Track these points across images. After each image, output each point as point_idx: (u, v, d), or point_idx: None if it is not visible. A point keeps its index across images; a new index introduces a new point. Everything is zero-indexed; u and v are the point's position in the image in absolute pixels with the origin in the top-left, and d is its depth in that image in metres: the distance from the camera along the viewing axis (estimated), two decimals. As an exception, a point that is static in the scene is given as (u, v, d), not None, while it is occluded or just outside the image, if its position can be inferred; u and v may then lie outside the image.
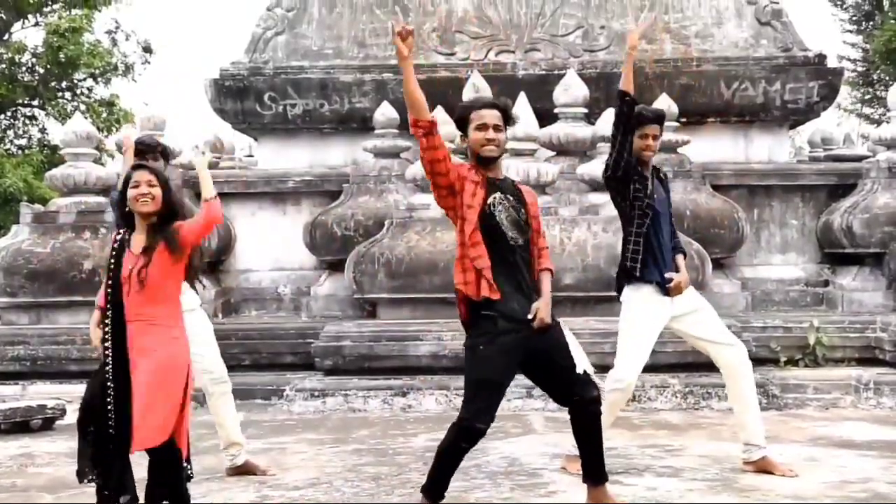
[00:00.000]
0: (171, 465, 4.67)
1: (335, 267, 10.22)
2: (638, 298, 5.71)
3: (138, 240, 4.68)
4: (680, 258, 5.82)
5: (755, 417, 5.81)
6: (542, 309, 4.83)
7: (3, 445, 7.13)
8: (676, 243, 5.88)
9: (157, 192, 4.68)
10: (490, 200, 4.79)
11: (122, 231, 4.78)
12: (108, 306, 4.70)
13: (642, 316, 5.70)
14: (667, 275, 5.66)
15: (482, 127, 4.85)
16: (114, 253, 4.72)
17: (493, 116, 4.86)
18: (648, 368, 8.16)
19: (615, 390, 5.72)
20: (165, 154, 6.09)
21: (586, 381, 4.85)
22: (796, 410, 8.08)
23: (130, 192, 4.69)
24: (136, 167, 4.87)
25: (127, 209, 4.72)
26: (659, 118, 5.86)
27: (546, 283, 4.97)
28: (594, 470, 4.93)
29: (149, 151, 5.97)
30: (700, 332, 5.82)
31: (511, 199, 4.86)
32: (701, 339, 5.85)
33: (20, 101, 24.22)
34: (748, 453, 5.81)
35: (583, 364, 4.89)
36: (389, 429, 7.46)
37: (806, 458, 6.20)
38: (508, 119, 4.94)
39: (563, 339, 4.94)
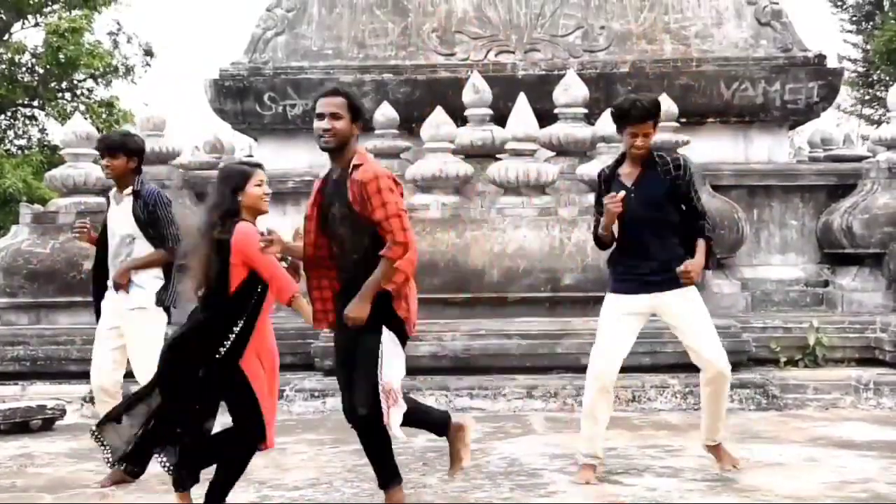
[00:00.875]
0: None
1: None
2: (606, 303, 5.76)
3: None
4: (700, 243, 5.61)
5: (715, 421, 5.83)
6: (351, 308, 4.62)
7: (3, 446, 7.13)
8: (697, 227, 5.64)
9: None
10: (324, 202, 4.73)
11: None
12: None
13: (607, 316, 5.69)
14: (679, 268, 5.48)
15: (319, 116, 4.68)
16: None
17: (329, 105, 4.64)
18: (648, 369, 8.24)
19: (592, 381, 5.65)
20: (131, 149, 5.97)
21: (366, 395, 4.58)
22: (796, 411, 8.08)
23: (256, 191, 4.78)
24: (256, 165, 4.92)
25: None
26: (652, 114, 5.53)
27: (373, 275, 4.61)
28: (380, 476, 4.89)
29: (112, 150, 5.95)
30: (688, 341, 5.68)
31: (336, 193, 4.68)
32: (688, 347, 5.72)
33: (20, 101, 24.23)
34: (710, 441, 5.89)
35: (389, 377, 4.58)
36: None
37: (806, 459, 6.21)
38: (352, 104, 4.67)
39: (375, 345, 4.62)
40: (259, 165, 5.06)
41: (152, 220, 5.95)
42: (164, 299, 6.03)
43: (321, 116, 4.63)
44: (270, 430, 4.78)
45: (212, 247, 4.70)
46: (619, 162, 5.73)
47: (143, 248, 6.01)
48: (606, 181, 5.70)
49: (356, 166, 4.62)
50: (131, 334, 5.99)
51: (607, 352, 5.61)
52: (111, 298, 6.07)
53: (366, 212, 4.55)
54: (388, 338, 4.63)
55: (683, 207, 5.66)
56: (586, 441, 5.65)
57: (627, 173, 5.66)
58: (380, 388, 4.55)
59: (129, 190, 6.00)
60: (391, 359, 4.61)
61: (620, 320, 5.63)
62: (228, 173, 4.89)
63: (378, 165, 4.71)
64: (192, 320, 4.81)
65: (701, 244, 5.63)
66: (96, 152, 10.67)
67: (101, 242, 6.13)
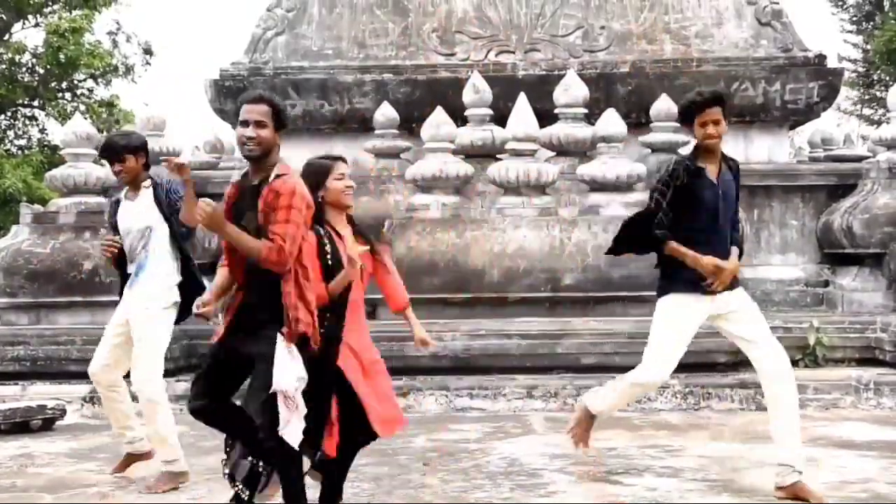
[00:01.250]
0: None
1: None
2: (672, 300, 5.37)
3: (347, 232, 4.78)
4: (734, 251, 5.47)
5: (790, 433, 5.24)
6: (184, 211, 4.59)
7: (3, 446, 7.13)
8: (734, 236, 5.53)
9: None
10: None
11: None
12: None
13: (674, 317, 5.35)
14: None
15: (242, 123, 4.47)
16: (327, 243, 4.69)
17: (254, 112, 4.45)
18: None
19: (636, 385, 5.47)
20: (136, 147, 5.84)
21: (260, 402, 4.33)
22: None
23: (337, 185, 4.74)
24: (336, 159, 4.88)
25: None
26: (717, 99, 5.35)
27: (246, 236, 4.41)
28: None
29: (118, 154, 5.82)
30: (740, 331, 5.42)
31: (251, 203, 4.44)
32: (740, 339, 5.45)
33: (20, 101, 24.24)
34: (780, 476, 5.23)
35: (281, 384, 4.31)
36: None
37: (806, 459, 6.20)
38: (276, 111, 4.49)
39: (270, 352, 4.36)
40: (340, 158, 4.91)
41: (179, 207, 5.84)
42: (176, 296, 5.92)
43: (245, 123, 4.46)
44: (387, 411, 4.77)
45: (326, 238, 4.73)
46: (693, 155, 5.44)
47: (162, 238, 5.88)
48: (693, 174, 5.32)
49: (279, 175, 4.45)
50: (136, 331, 5.88)
51: (673, 359, 5.39)
52: (126, 295, 6.00)
53: (268, 222, 4.34)
54: (282, 344, 4.35)
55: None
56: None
57: (709, 169, 5.39)
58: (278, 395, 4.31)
59: (147, 182, 5.93)
60: (285, 364, 4.34)
61: (692, 321, 5.35)
62: (308, 169, 4.85)
63: (301, 183, 4.50)
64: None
65: (735, 252, 5.50)
66: (96, 152, 10.69)
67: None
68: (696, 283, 5.29)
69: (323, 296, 4.55)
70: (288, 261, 4.31)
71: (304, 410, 4.36)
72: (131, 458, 6.06)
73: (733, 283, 5.41)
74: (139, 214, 5.87)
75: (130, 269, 5.88)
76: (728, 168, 5.53)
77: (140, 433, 6.01)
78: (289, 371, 4.28)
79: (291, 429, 4.32)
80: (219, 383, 4.53)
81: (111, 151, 5.89)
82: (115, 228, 5.98)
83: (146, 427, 5.81)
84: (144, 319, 5.77)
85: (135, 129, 9.10)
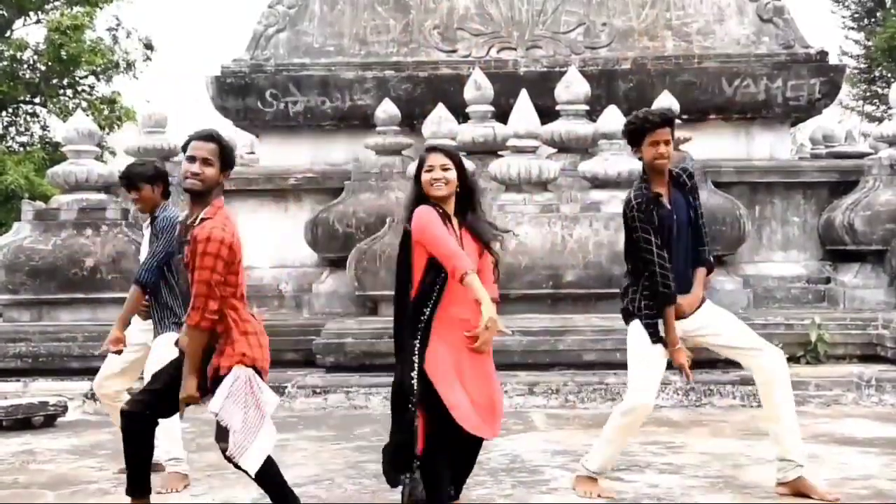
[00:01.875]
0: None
1: (337, 264, 10.22)
2: (639, 326, 5.19)
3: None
4: (700, 272, 5.23)
5: (789, 429, 5.20)
6: (181, 392, 4.54)
7: (5, 442, 7.13)
8: (701, 253, 5.27)
9: (452, 175, 4.76)
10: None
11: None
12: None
13: (644, 341, 5.16)
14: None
15: (189, 159, 4.53)
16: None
17: (202, 149, 4.51)
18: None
19: (626, 413, 5.19)
20: (151, 177, 5.82)
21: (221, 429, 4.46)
22: (798, 407, 7.96)
23: (424, 177, 4.76)
24: (432, 150, 4.89)
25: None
26: (667, 120, 5.17)
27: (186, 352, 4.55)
28: None
29: (132, 183, 5.81)
30: (724, 342, 5.29)
31: (185, 241, 4.55)
32: (728, 349, 5.33)
33: (22, 98, 24.22)
34: (782, 472, 5.22)
35: (211, 407, 4.42)
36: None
37: (808, 455, 6.19)
38: (225, 152, 4.56)
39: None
40: (436, 149, 4.86)
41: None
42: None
43: (192, 159, 4.49)
44: (486, 416, 4.70)
45: (402, 240, 4.78)
46: (644, 180, 5.20)
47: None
48: (652, 203, 5.10)
49: (203, 219, 4.48)
50: (156, 351, 5.84)
51: (654, 380, 5.20)
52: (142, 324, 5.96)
53: (192, 266, 4.44)
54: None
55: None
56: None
57: (662, 191, 5.16)
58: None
59: (149, 217, 5.93)
60: (221, 390, 4.42)
61: (661, 347, 5.15)
62: (416, 161, 4.93)
63: (221, 226, 4.46)
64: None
65: (700, 275, 5.24)
66: (98, 149, 10.70)
67: None
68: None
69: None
70: (209, 321, 4.45)
71: (258, 434, 4.46)
72: None
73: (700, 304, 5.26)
74: (145, 248, 5.92)
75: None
76: (677, 184, 5.25)
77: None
78: (218, 396, 4.40)
79: (246, 455, 4.48)
80: (164, 400, 4.62)
81: (127, 180, 5.90)
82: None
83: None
84: (166, 342, 5.70)
85: (138, 128, 9.09)
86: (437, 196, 4.73)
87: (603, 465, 5.31)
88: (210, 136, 4.58)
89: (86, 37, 23.12)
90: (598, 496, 5.22)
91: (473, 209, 4.86)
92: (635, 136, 5.16)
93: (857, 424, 7.32)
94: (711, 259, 5.36)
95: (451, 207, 4.79)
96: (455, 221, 4.79)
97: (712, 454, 6.23)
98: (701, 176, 10.36)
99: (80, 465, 6.35)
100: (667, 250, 5.10)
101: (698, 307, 5.25)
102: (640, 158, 5.20)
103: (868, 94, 28.37)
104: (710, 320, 5.27)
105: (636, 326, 5.19)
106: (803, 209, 10.90)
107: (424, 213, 4.68)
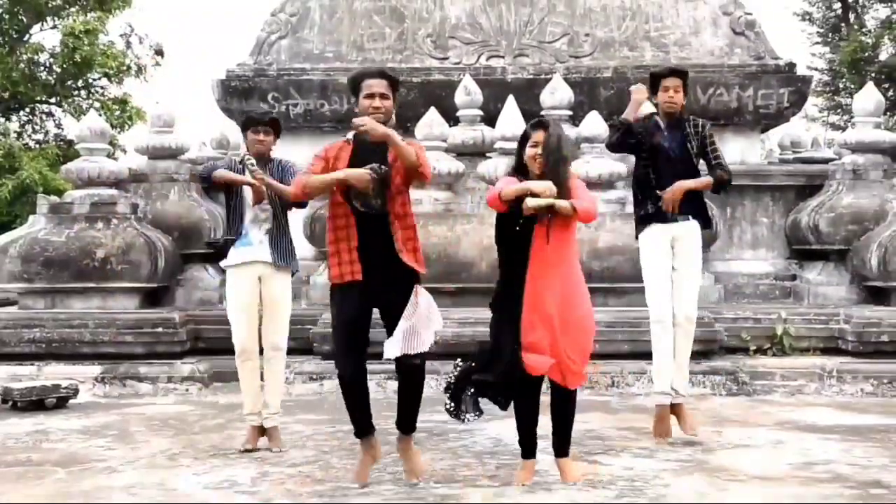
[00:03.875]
0: None
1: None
2: (642, 237, 6.18)
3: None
4: (698, 181, 6.14)
5: (679, 366, 6.21)
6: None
7: (20, 422, 7.11)
8: (713, 168, 6.21)
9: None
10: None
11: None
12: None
13: (648, 252, 6.13)
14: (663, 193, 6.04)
15: (369, 96, 4.91)
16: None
17: (378, 85, 4.91)
18: (627, 356, 8.23)
19: (654, 323, 6.17)
20: (278, 132, 6.29)
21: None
22: (764, 396, 8.10)
23: (528, 151, 4.87)
24: (537, 126, 4.94)
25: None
26: (674, 72, 6.18)
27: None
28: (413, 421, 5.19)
29: (271, 125, 6.21)
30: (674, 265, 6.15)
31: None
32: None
33: (38, 98, 24.10)
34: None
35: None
36: (383, 410, 7.41)
37: (773, 441, 6.22)
38: (395, 85, 5.01)
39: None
40: (540, 125, 4.96)
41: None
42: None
43: (371, 96, 4.93)
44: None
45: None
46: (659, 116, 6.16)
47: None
48: (653, 126, 6.11)
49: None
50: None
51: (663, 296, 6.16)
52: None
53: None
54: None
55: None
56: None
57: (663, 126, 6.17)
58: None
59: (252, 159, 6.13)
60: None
61: (663, 250, 6.15)
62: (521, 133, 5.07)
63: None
64: None
65: (694, 182, 6.18)
66: (109, 147, 10.65)
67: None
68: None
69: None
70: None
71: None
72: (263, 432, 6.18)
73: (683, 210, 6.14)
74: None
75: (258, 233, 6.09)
76: (684, 127, 6.13)
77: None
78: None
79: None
80: None
81: (264, 123, 6.24)
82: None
83: (269, 372, 6.11)
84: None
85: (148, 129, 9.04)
86: (535, 172, 4.86)
87: (663, 384, 6.18)
88: (382, 73, 4.94)
89: (99, 41, 23.01)
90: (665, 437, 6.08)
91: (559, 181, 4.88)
92: (653, 84, 6.14)
93: (819, 413, 7.34)
94: (721, 176, 6.16)
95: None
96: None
97: (684, 439, 6.24)
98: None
99: (90, 444, 6.33)
100: (658, 169, 6.05)
101: (686, 220, 6.14)
102: (655, 104, 6.12)
103: (832, 104, 28.43)
104: (684, 249, 6.12)
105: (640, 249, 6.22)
106: (772, 210, 10.91)
107: (497, 185, 4.95)
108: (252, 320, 6.12)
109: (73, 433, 6.70)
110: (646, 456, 5.80)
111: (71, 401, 7.87)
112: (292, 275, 6.26)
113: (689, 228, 6.16)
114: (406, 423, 5.16)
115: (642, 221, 6.19)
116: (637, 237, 6.29)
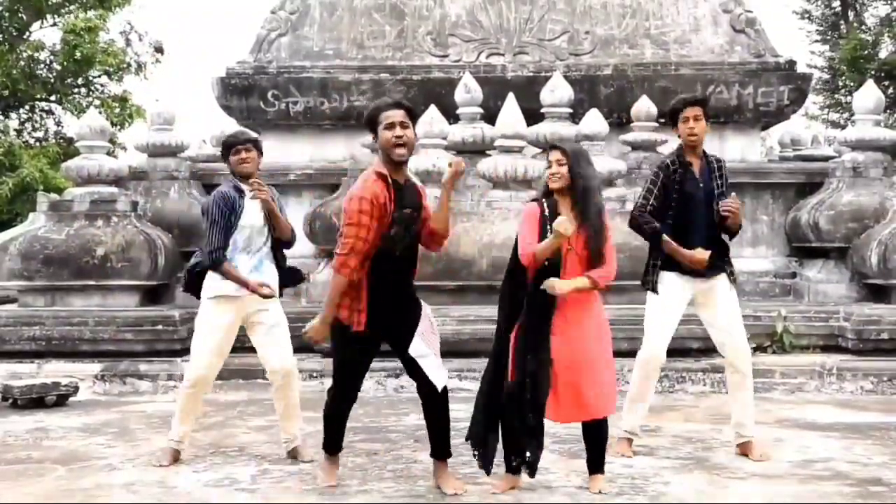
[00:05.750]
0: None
1: (333, 256, 10.18)
2: (659, 284, 5.69)
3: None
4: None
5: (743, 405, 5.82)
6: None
7: (20, 420, 7.11)
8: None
9: (564, 170, 4.82)
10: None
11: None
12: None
13: (661, 299, 5.68)
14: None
15: (390, 126, 4.94)
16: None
17: (397, 115, 4.90)
18: (627, 354, 8.22)
19: (640, 366, 5.84)
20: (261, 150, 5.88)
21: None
22: (764, 394, 8.09)
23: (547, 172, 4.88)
24: (551, 147, 4.95)
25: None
26: (695, 101, 5.70)
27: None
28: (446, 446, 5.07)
29: (256, 144, 5.83)
30: (710, 319, 5.79)
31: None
32: (710, 327, 5.84)
33: (38, 96, 24.09)
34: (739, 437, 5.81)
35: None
36: (383, 408, 7.46)
37: (773, 439, 6.22)
38: (413, 115, 4.97)
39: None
40: (554, 146, 4.95)
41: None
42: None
43: (391, 126, 5.03)
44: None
45: None
46: (680, 154, 5.71)
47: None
48: (681, 168, 5.67)
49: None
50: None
51: (661, 339, 5.78)
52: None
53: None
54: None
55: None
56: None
57: (693, 164, 5.70)
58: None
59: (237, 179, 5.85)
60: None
61: (676, 301, 5.72)
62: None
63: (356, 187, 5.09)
64: None
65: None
66: (109, 145, 10.64)
67: None
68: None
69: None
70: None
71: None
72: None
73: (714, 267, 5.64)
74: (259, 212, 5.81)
75: (249, 261, 5.78)
76: (708, 164, 5.72)
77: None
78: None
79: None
80: None
81: (248, 142, 5.83)
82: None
83: (284, 399, 5.76)
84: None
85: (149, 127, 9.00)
86: (551, 188, 4.87)
87: (633, 425, 5.78)
88: (398, 104, 4.95)
89: (99, 39, 23.00)
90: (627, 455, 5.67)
91: (582, 203, 4.83)
92: (673, 116, 5.67)
93: (818, 410, 7.34)
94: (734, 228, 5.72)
95: (566, 200, 4.86)
96: (570, 211, 4.84)
97: (684, 437, 6.24)
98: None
99: (90, 441, 6.32)
100: (688, 216, 5.57)
101: (716, 274, 5.62)
102: (678, 136, 5.68)
103: (832, 102, 28.42)
104: (717, 298, 5.65)
105: (649, 294, 5.71)
106: (772, 208, 10.91)
107: (523, 214, 4.99)
108: (223, 355, 5.73)
109: (73, 431, 6.70)
110: (646, 454, 5.79)
111: (71, 398, 7.86)
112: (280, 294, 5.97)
113: (720, 280, 5.70)
114: (443, 448, 5.04)
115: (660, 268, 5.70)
116: (648, 286, 5.77)
